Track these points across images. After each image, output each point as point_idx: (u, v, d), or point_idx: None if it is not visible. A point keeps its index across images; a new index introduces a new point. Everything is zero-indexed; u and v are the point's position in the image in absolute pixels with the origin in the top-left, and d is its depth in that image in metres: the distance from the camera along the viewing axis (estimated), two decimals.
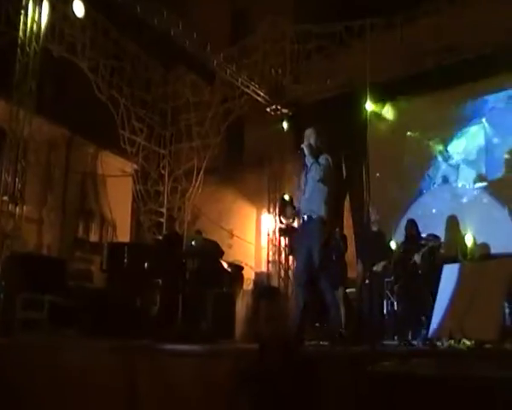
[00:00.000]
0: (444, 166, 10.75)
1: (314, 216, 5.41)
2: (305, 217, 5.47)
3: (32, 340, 6.00)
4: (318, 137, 5.62)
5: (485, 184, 9.87)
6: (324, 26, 10.79)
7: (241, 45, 12.00)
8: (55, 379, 4.95)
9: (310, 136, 5.62)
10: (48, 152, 10.09)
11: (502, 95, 10.03)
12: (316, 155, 5.49)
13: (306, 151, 5.48)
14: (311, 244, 5.38)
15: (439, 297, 5.95)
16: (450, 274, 6.03)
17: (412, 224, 7.27)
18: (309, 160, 5.50)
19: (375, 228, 7.61)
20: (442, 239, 7.65)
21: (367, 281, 7.12)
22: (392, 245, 8.10)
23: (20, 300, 6.66)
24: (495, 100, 10.15)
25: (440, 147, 10.83)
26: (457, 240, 7.61)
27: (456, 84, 10.03)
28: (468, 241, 7.72)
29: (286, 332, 2.93)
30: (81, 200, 10.73)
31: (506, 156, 9.83)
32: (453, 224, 7.50)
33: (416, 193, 10.88)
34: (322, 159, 5.46)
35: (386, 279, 7.53)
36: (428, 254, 6.96)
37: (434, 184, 10.78)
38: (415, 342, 6.47)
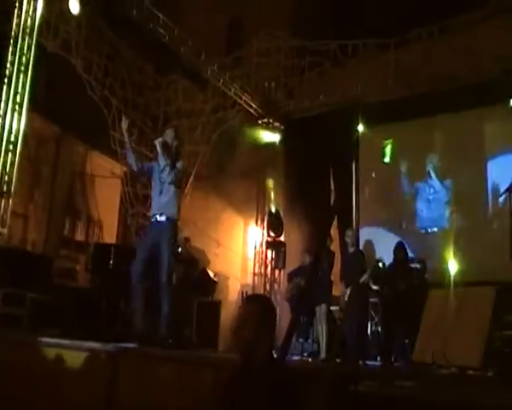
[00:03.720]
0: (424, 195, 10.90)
1: (170, 217, 5.48)
2: (157, 217, 5.52)
3: (13, 336, 5.94)
4: (176, 138, 5.64)
5: None
6: (319, 42, 10.89)
7: (236, 56, 12.05)
8: (35, 376, 4.91)
9: (167, 134, 5.65)
10: (37, 148, 9.96)
11: None
12: (170, 155, 5.48)
13: (159, 148, 5.45)
14: (160, 245, 5.43)
15: (423, 321, 6.01)
16: (435, 299, 6.10)
17: (401, 247, 7.32)
18: (161, 160, 5.48)
19: (354, 249, 7.65)
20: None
21: (351, 299, 7.17)
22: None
23: (2, 295, 6.58)
24: None
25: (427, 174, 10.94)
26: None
27: (447, 111, 10.16)
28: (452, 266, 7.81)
29: (271, 343, 2.93)
30: (68, 198, 10.61)
31: None
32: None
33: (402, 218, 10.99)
34: (179, 164, 5.53)
35: (370, 299, 7.58)
36: (414, 279, 7.02)
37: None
38: (397, 364, 6.52)
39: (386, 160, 10.89)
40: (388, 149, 10.97)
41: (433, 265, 8.28)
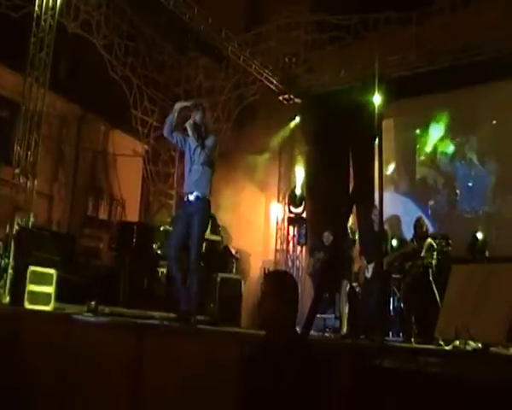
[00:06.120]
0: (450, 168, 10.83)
1: (200, 196, 5.47)
2: (190, 196, 5.51)
3: (41, 313, 6.06)
4: (204, 115, 5.58)
5: None
6: (339, 17, 10.74)
7: (256, 32, 11.95)
8: (61, 353, 5.03)
9: (195, 114, 5.54)
10: (60, 128, 10.09)
11: None
12: (200, 135, 5.45)
13: (190, 130, 5.42)
14: (191, 224, 5.44)
15: (446, 297, 5.97)
16: (458, 274, 6.05)
17: (421, 221, 7.26)
18: (192, 141, 5.46)
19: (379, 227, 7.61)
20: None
21: (373, 276, 7.15)
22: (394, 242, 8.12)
23: (29, 273, 6.72)
24: None
25: (449, 148, 10.86)
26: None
27: (470, 84, 10.01)
28: (479, 238, 7.77)
29: (292, 318, 2.95)
30: (91, 178, 10.74)
31: None
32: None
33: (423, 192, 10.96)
34: (209, 141, 5.48)
35: (393, 275, 7.55)
36: (437, 253, 6.97)
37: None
38: (419, 340, 6.50)
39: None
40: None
41: (459, 242, 8.24)
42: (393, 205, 10.19)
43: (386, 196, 10.30)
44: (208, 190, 5.55)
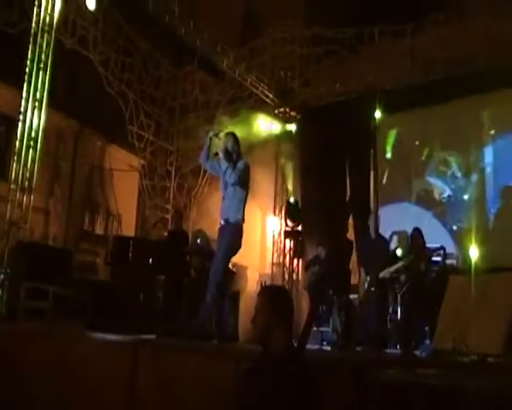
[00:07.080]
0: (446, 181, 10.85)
1: (231, 220, 5.56)
2: (222, 222, 5.62)
3: (36, 329, 6.02)
4: (235, 142, 5.76)
5: None
6: (334, 30, 10.81)
7: (251, 46, 12.02)
8: (57, 369, 4.99)
9: (227, 141, 5.74)
10: (56, 143, 10.10)
11: None
12: (231, 159, 5.63)
13: (221, 155, 5.62)
14: (218, 247, 5.63)
15: (443, 307, 5.97)
16: (455, 285, 6.05)
17: (418, 233, 7.26)
18: (223, 164, 5.63)
19: (376, 236, 7.60)
20: None
21: (372, 288, 7.14)
22: (398, 253, 8.10)
23: (24, 288, 6.69)
24: None
25: (447, 160, 10.89)
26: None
27: (465, 95, 10.06)
28: (473, 253, 7.76)
29: (287, 332, 2.94)
30: (88, 192, 10.74)
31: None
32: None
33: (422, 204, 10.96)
34: (240, 163, 5.64)
35: (390, 287, 7.53)
36: (434, 265, 6.97)
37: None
38: (417, 352, 6.48)
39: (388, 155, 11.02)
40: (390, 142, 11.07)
41: (454, 253, 8.24)
42: (400, 217, 10.20)
43: (393, 207, 10.46)
44: (240, 214, 5.60)
